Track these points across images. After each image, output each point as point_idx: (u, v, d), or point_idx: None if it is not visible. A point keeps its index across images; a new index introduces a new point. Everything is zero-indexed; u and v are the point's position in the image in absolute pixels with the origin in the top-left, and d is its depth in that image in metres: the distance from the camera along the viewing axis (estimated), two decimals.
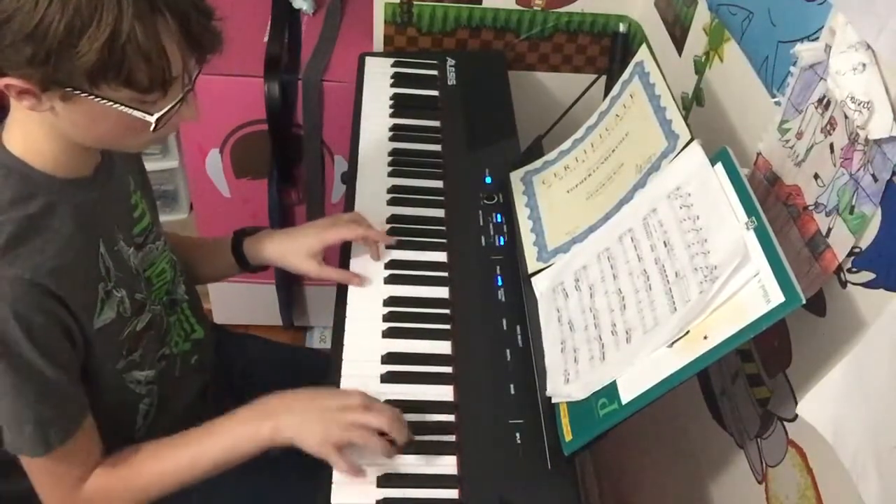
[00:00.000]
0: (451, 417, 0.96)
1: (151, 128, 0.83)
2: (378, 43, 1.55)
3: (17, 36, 0.73)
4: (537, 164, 1.25)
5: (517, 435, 0.95)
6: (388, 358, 1.02)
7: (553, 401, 0.97)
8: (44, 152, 0.86)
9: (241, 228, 1.19)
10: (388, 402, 0.97)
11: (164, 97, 0.81)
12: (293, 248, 1.12)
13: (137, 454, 0.95)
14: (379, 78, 1.44)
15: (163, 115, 0.82)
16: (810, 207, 0.88)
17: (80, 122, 0.82)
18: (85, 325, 0.89)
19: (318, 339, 2.09)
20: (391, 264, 1.13)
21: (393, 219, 1.20)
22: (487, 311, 1.08)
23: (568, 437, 0.92)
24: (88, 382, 0.93)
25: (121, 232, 0.97)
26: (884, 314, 0.74)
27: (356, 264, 1.13)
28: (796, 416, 0.91)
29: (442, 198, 1.23)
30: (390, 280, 1.11)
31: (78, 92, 0.77)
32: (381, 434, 0.91)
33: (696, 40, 1.25)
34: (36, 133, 0.85)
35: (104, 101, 0.78)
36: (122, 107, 0.80)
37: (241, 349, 1.30)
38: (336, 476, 0.90)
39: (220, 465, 0.94)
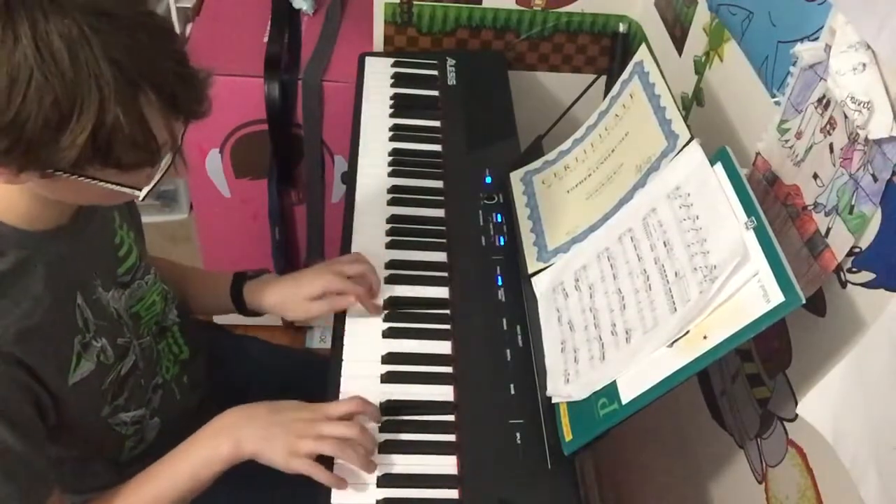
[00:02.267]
0: (451, 417, 0.96)
1: (140, 199, 0.79)
2: (378, 43, 1.55)
3: None
4: (537, 163, 1.25)
5: (517, 435, 0.95)
6: (389, 358, 1.02)
7: (553, 401, 0.97)
8: (17, 207, 0.81)
9: (242, 271, 1.14)
10: (389, 402, 0.97)
11: (153, 168, 0.77)
12: (294, 293, 1.07)
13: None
14: (379, 78, 1.44)
15: (152, 187, 0.79)
16: (809, 207, 0.87)
17: (61, 193, 0.79)
18: (56, 386, 0.85)
19: (318, 339, 2.09)
20: (391, 264, 1.13)
21: (393, 219, 1.20)
22: (487, 311, 1.08)
23: (568, 437, 0.92)
24: (65, 432, 0.89)
25: (100, 278, 0.93)
26: (884, 314, 0.73)
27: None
28: (796, 416, 0.91)
29: (442, 198, 1.23)
30: (390, 280, 1.11)
31: (60, 173, 0.72)
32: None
33: (696, 40, 1.25)
34: (8, 189, 0.79)
35: (89, 180, 0.73)
36: (108, 184, 0.75)
37: (241, 351, 1.30)
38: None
39: (187, 493, 0.90)
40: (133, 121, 0.69)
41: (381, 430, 0.94)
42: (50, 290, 0.84)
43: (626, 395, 0.88)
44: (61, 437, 0.90)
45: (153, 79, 0.71)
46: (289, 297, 1.08)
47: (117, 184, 0.75)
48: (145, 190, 0.78)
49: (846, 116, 0.79)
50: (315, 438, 0.88)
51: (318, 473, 0.87)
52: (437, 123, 1.36)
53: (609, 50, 1.57)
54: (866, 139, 0.76)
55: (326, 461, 0.90)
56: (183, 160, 0.81)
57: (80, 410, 0.90)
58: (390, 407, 0.97)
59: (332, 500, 0.88)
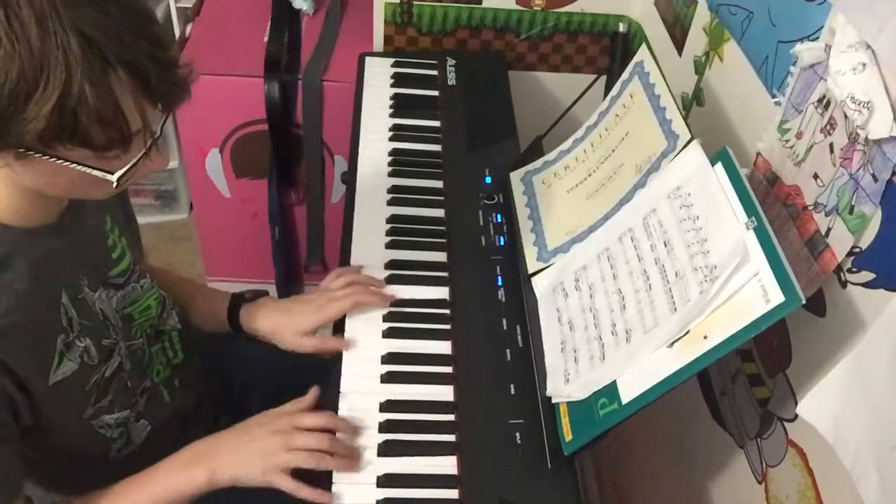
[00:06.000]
0: (451, 417, 0.96)
1: (113, 185, 0.78)
2: (378, 43, 1.55)
3: None
4: (537, 163, 1.25)
5: (517, 435, 0.95)
6: (388, 358, 1.02)
7: (553, 401, 0.97)
8: (1, 201, 0.81)
9: (241, 293, 1.14)
10: (388, 402, 0.97)
11: (126, 153, 0.76)
12: (286, 325, 1.07)
13: None
14: (379, 78, 1.45)
15: (125, 173, 0.77)
16: (809, 207, 0.88)
17: (38, 179, 0.78)
18: (34, 385, 0.84)
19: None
20: (391, 264, 1.13)
21: (393, 219, 1.20)
22: (487, 311, 1.08)
23: (568, 436, 0.92)
24: (43, 433, 0.89)
25: (87, 278, 0.92)
26: (884, 314, 0.73)
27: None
28: (796, 416, 0.91)
29: (442, 198, 1.23)
30: (390, 280, 1.11)
31: (31, 153, 0.72)
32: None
33: (696, 40, 1.25)
34: None
35: (60, 161, 0.73)
36: (80, 166, 0.74)
37: (240, 352, 1.29)
38: (336, 476, 0.90)
39: None
40: (101, 96, 0.69)
41: (381, 430, 0.94)
42: (34, 288, 0.84)
43: (626, 395, 0.88)
44: (39, 438, 0.89)
45: (124, 57, 0.70)
46: (282, 325, 1.08)
47: (89, 166, 0.75)
48: (118, 174, 0.77)
49: (846, 116, 0.79)
50: (289, 451, 0.88)
51: (299, 489, 0.88)
52: (437, 123, 1.36)
53: (609, 50, 1.57)
54: (866, 139, 0.76)
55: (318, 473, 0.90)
56: (157, 149, 0.81)
57: (61, 410, 0.89)
58: (390, 407, 0.97)
59: (333, 500, 0.89)
